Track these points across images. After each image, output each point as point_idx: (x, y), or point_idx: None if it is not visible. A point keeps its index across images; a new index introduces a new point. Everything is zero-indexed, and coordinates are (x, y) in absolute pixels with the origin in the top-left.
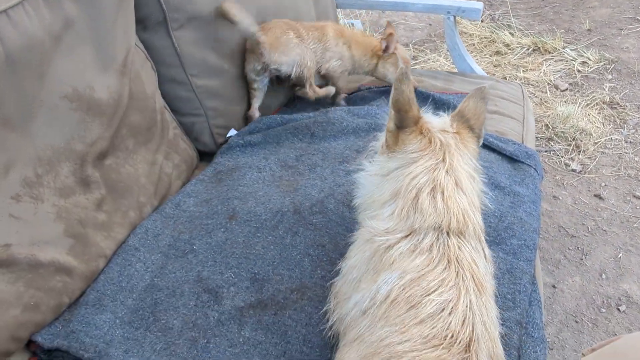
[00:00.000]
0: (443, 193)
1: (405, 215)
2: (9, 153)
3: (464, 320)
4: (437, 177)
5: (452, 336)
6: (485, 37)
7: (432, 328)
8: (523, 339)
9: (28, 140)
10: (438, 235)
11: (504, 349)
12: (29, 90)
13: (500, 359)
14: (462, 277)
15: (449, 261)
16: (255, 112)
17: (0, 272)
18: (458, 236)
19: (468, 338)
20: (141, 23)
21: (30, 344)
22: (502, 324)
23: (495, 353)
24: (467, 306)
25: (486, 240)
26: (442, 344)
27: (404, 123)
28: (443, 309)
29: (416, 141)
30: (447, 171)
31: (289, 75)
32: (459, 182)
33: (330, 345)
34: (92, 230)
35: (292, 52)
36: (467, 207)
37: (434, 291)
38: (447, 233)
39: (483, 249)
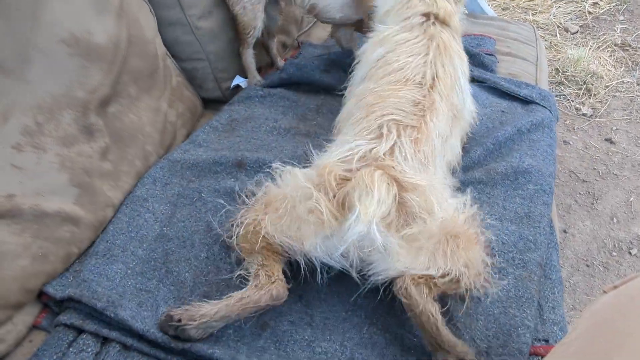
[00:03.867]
0: None
1: (401, 11)
2: (6, 100)
3: (424, 72)
4: None
5: (407, 79)
6: None
7: (395, 76)
8: (541, 281)
9: (25, 87)
10: (425, 20)
11: (524, 290)
12: (23, 34)
13: (454, 106)
14: (437, 46)
15: (429, 37)
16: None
17: (6, 223)
18: (442, 24)
19: (425, 81)
20: None
21: (41, 296)
22: (523, 266)
23: (449, 95)
24: (431, 63)
25: (503, 184)
26: (400, 81)
27: None
28: (407, 65)
29: None
30: None
31: None
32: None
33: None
34: (98, 179)
35: None
36: (452, 11)
37: (408, 54)
38: (434, 19)
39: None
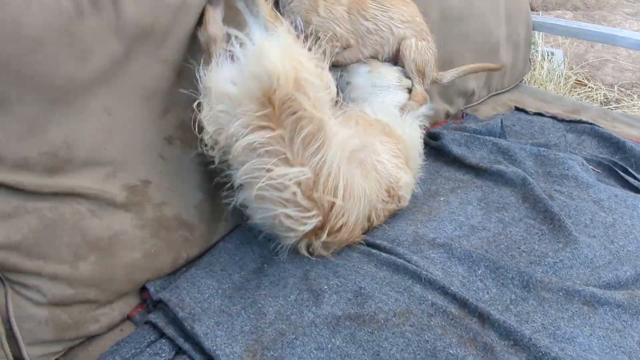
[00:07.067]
0: None
1: None
2: (170, 96)
3: None
4: None
5: None
6: None
7: None
8: None
9: None
10: None
11: None
12: None
13: None
14: None
15: None
16: None
17: (131, 216)
18: None
19: None
20: None
21: (143, 292)
22: None
23: None
24: None
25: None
26: None
27: None
28: None
29: None
30: None
31: None
32: None
33: None
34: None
35: None
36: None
37: None
38: None
39: None
